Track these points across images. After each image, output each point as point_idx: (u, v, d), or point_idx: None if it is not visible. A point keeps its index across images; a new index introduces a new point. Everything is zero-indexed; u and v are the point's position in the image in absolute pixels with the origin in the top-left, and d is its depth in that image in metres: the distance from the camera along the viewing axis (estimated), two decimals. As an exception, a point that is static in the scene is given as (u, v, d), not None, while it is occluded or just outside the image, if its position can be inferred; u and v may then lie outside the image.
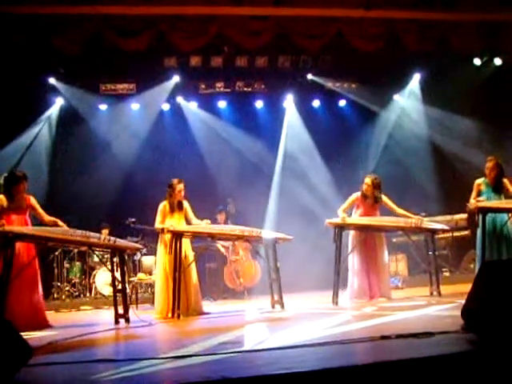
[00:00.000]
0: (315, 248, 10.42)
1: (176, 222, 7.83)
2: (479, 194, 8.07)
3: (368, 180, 8.44)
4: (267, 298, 8.22)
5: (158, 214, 7.94)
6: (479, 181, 8.13)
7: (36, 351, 4.07)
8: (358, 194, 8.52)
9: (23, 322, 6.49)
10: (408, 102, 13.25)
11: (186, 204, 8.05)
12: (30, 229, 6.81)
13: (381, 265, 8.45)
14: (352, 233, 8.45)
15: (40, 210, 7.30)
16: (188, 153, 12.53)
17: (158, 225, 7.93)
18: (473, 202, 7.96)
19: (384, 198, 8.50)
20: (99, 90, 12.33)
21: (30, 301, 7.02)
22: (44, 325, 7.02)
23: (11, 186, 7.08)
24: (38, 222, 7.41)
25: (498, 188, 8.02)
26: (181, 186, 7.98)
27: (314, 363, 3.37)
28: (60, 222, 7.16)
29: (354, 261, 8.41)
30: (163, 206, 7.97)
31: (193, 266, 7.92)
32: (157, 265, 8.08)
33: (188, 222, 8.00)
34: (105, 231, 10.52)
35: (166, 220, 7.90)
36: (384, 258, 8.51)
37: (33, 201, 7.30)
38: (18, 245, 6.73)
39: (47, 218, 7.24)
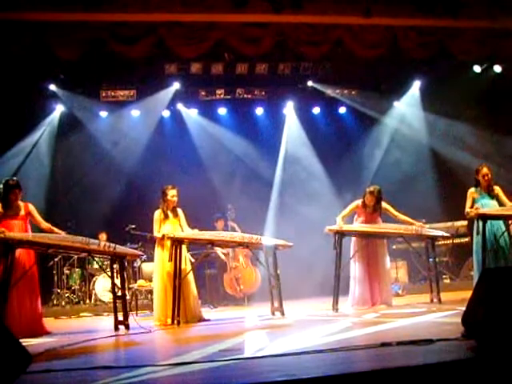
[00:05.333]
0: (315, 255, 10.41)
1: (172, 229, 7.81)
2: (473, 202, 8.15)
3: (369, 193, 8.42)
4: (267, 304, 8.20)
5: (154, 223, 7.93)
6: (472, 190, 8.23)
7: (35, 358, 4.06)
8: (359, 202, 8.52)
9: (20, 329, 6.54)
10: (408, 108, 13.26)
11: (180, 212, 8.03)
12: (30, 235, 6.82)
13: (382, 272, 8.45)
14: (354, 239, 8.45)
15: (38, 217, 7.34)
16: (188, 159, 12.54)
17: (156, 233, 7.91)
18: (471, 210, 8.01)
19: (385, 205, 8.50)
20: (99, 96, 12.36)
21: (29, 308, 7.03)
22: (41, 332, 7.01)
23: (4, 194, 7.14)
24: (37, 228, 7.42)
25: (490, 193, 8.18)
26: (173, 192, 7.94)
27: (314, 370, 3.36)
28: (56, 229, 7.17)
29: (355, 268, 8.41)
30: (158, 213, 7.95)
31: (191, 273, 7.90)
32: (154, 272, 8.06)
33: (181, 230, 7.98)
34: (101, 236, 10.53)
35: (162, 226, 7.88)
36: (386, 264, 8.50)
37: (31, 207, 7.34)
38: (18, 252, 6.76)
39: (44, 224, 7.29)
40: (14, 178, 7.47)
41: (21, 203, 7.25)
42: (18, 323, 6.68)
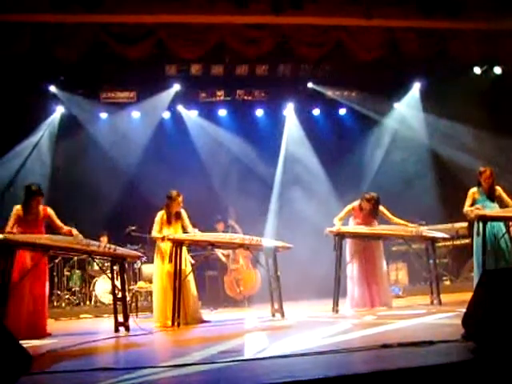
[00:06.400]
0: (315, 256, 10.40)
1: (173, 232, 7.81)
2: (474, 202, 8.11)
3: (366, 201, 8.41)
4: (267, 306, 8.20)
5: (155, 223, 7.93)
6: (473, 189, 8.16)
7: (35, 359, 4.06)
8: (355, 204, 8.52)
9: (26, 330, 6.71)
10: (408, 110, 13.26)
11: (183, 212, 8.03)
12: (30, 237, 6.83)
13: (380, 274, 8.44)
14: (350, 241, 8.42)
15: (57, 222, 7.39)
16: (188, 161, 12.53)
17: (155, 234, 7.91)
18: (471, 210, 7.99)
19: (381, 208, 8.49)
20: (100, 98, 12.36)
21: (33, 310, 7.10)
22: (43, 334, 7.03)
23: (26, 199, 7.22)
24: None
25: (491, 196, 8.11)
26: (179, 200, 7.97)
27: (314, 372, 3.35)
28: (74, 231, 7.18)
29: (353, 270, 8.39)
30: (161, 215, 7.96)
31: (191, 275, 7.90)
32: (154, 273, 8.06)
33: (184, 230, 7.96)
34: (103, 238, 10.52)
35: (163, 229, 7.89)
36: (382, 266, 8.50)
37: (50, 211, 7.40)
38: (30, 254, 6.91)
39: (65, 229, 7.30)
40: (37, 184, 7.51)
41: (40, 207, 7.33)
42: (21, 325, 6.75)
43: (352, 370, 3.45)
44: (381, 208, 8.48)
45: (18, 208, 7.19)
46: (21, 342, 3.74)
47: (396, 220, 8.49)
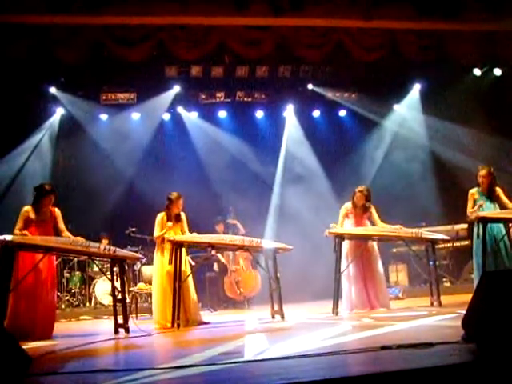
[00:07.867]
0: (315, 258, 10.40)
1: (173, 233, 7.81)
2: (474, 202, 8.09)
3: (358, 192, 8.42)
4: (267, 307, 8.20)
5: (156, 225, 7.93)
6: (473, 190, 8.15)
7: (35, 361, 4.05)
8: (348, 205, 8.51)
9: (40, 331, 6.85)
10: (408, 111, 13.27)
11: (183, 216, 8.03)
12: (30, 238, 6.82)
13: (377, 275, 8.41)
14: (347, 243, 8.39)
15: (61, 225, 7.34)
16: (188, 162, 12.55)
17: (157, 233, 7.91)
18: (474, 210, 7.98)
19: (372, 209, 8.47)
20: (100, 99, 12.37)
21: (50, 308, 7.16)
22: (48, 336, 7.05)
23: (38, 199, 7.17)
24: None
25: (491, 196, 8.08)
26: (180, 202, 7.97)
27: (314, 373, 3.35)
28: (73, 238, 7.18)
29: (349, 271, 8.33)
30: (161, 216, 7.96)
31: (190, 276, 7.89)
32: (154, 275, 8.06)
33: (182, 234, 7.96)
34: (104, 241, 10.51)
35: (164, 231, 7.89)
36: (379, 268, 8.47)
37: (57, 213, 7.36)
38: (38, 256, 6.88)
39: (65, 233, 7.27)
40: (50, 183, 7.51)
41: (50, 207, 7.30)
42: (36, 325, 6.86)
43: (352, 372, 3.45)
44: (371, 209, 8.47)
45: (27, 209, 7.10)
46: (20, 343, 3.73)
47: (381, 225, 8.45)
